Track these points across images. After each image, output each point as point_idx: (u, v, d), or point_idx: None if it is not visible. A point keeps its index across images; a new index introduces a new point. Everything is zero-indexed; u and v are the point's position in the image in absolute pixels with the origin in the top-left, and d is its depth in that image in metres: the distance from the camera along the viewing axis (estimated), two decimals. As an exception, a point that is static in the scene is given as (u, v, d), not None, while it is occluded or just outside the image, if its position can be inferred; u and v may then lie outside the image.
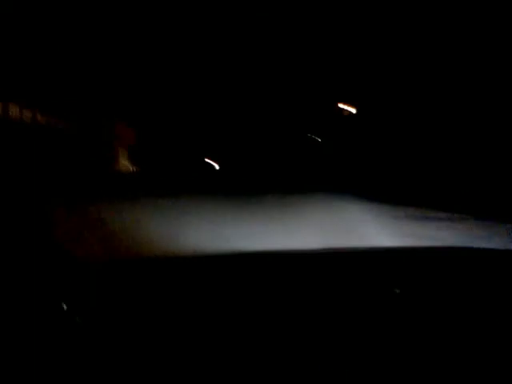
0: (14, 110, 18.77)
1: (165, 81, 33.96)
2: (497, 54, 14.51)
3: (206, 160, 41.60)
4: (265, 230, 6.43)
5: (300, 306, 1.19)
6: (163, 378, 0.88)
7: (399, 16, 18.34)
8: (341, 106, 25.53)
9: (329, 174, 23.48)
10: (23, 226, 5.98)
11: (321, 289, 1.34)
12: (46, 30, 19.91)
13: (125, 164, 32.34)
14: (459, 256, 1.79)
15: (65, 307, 1.11)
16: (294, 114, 31.82)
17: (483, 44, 14.84)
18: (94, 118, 27.13)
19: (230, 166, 37.69)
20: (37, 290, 1.22)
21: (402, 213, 9.43)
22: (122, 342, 1.02)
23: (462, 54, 15.56)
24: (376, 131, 21.65)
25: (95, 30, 25.34)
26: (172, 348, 0.99)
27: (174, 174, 27.04)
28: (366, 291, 1.33)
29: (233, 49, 31.67)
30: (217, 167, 41.16)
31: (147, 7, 27.16)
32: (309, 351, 0.96)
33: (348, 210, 8.67)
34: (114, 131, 30.31)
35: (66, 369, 0.88)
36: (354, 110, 25.07)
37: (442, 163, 15.75)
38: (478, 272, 1.51)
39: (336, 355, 0.96)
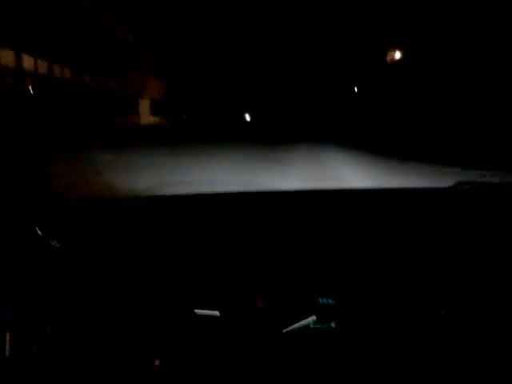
0: (27, 61, 18.23)
1: (198, 28, 31.74)
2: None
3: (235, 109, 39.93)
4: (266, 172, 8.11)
5: (289, 236, 1.40)
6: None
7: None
8: (386, 52, 23.09)
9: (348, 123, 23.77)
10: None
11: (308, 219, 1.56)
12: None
13: (149, 118, 31.48)
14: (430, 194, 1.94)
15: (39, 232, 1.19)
16: (333, 62, 30.67)
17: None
18: (115, 68, 25.50)
19: (258, 117, 37.06)
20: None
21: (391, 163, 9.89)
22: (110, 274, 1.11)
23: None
24: (419, 81, 19.87)
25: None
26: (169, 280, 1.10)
27: (200, 126, 27.61)
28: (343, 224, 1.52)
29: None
30: (247, 119, 40.04)
31: None
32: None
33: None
34: (138, 83, 28.62)
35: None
36: (398, 55, 22.45)
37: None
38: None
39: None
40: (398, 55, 22.60)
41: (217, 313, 1.00)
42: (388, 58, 23.51)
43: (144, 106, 30.22)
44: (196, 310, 0.99)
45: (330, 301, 1.05)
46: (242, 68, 36.44)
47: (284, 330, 0.98)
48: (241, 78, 36.98)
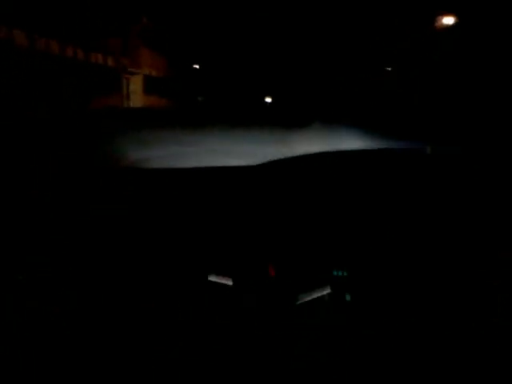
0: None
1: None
2: None
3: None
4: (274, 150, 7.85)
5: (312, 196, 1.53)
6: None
7: None
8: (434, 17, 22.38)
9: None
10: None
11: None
12: None
13: (141, 99, 30.41)
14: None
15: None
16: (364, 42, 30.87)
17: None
18: (95, 36, 23.81)
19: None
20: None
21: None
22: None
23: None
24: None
25: None
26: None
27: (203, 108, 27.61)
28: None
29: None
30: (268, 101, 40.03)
31: None
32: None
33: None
34: (131, 56, 27.59)
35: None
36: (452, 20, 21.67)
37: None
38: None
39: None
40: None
41: (229, 281, 1.03)
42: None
43: (135, 84, 29.00)
44: (209, 278, 1.05)
45: (345, 273, 1.07)
46: (256, 47, 36.39)
47: (297, 302, 0.99)
48: (254, 58, 37.06)
